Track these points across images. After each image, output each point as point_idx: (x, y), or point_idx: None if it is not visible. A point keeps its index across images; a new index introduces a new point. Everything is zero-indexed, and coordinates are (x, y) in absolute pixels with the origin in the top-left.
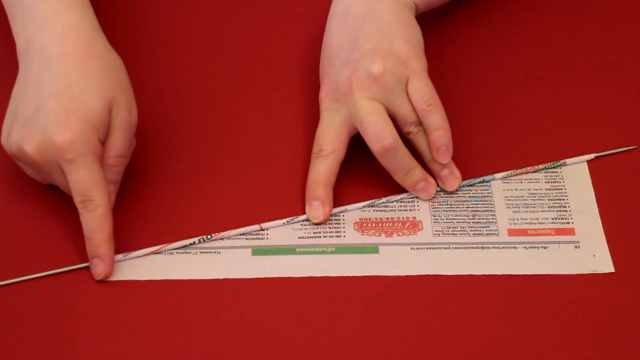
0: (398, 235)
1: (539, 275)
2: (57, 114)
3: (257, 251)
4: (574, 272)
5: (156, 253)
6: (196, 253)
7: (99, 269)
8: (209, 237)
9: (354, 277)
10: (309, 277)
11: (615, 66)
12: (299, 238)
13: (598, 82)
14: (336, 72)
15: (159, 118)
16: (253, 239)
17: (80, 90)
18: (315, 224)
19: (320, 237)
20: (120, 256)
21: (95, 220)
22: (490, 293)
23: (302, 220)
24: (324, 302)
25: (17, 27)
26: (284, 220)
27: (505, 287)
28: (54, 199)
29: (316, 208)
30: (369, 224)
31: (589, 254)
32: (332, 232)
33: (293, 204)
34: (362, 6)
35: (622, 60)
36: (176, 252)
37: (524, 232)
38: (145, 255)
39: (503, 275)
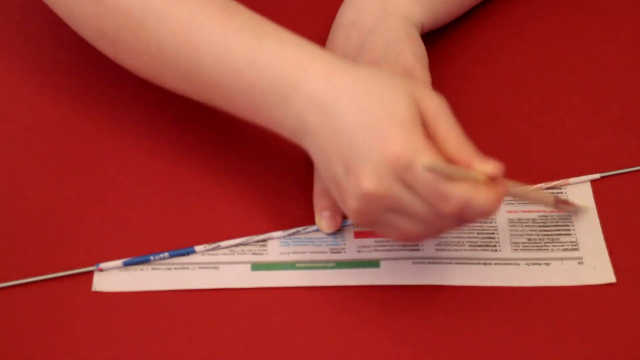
0: (399, 249)
1: (539, 287)
2: (369, 136)
3: (257, 266)
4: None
5: (154, 269)
6: (195, 269)
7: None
8: (211, 245)
9: (353, 286)
10: (308, 287)
11: (624, 84)
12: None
13: (606, 100)
14: None
15: (159, 123)
16: (252, 254)
17: (377, 104)
18: (327, 234)
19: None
20: (119, 262)
21: None
22: (490, 303)
23: (312, 231)
24: (322, 311)
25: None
26: (291, 231)
27: (505, 297)
28: (54, 200)
29: (327, 218)
30: (370, 239)
31: (591, 267)
32: (332, 247)
33: (299, 215)
34: (371, 18)
35: (632, 76)
36: (174, 268)
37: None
38: (145, 265)
39: (504, 286)
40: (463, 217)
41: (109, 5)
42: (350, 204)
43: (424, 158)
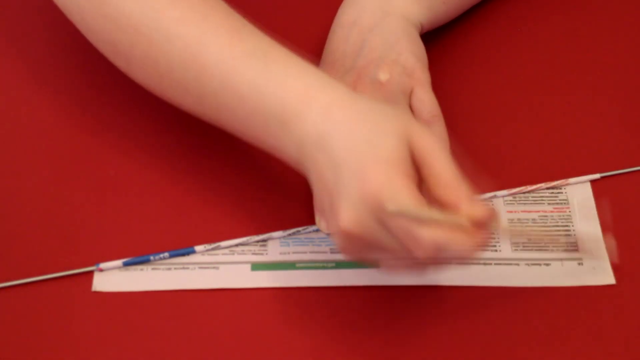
0: None
1: (539, 287)
2: (352, 173)
3: (257, 266)
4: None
5: (154, 269)
6: (195, 268)
7: None
8: (211, 245)
9: (353, 286)
10: (308, 287)
11: (624, 84)
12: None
13: (606, 100)
14: (338, 78)
15: (159, 122)
16: (252, 254)
17: (364, 142)
18: (327, 234)
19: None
20: (119, 262)
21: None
22: (490, 303)
23: (312, 231)
24: (322, 311)
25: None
26: (291, 231)
27: (505, 297)
28: (54, 200)
29: None
30: None
31: (591, 268)
32: (332, 247)
33: (299, 215)
34: (370, 18)
35: (632, 76)
36: (174, 268)
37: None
38: (145, 265)
39: (504, 286)
40: (439, 259)
41: (120, 23)
42: (333, 238)
43: (389, 202)
